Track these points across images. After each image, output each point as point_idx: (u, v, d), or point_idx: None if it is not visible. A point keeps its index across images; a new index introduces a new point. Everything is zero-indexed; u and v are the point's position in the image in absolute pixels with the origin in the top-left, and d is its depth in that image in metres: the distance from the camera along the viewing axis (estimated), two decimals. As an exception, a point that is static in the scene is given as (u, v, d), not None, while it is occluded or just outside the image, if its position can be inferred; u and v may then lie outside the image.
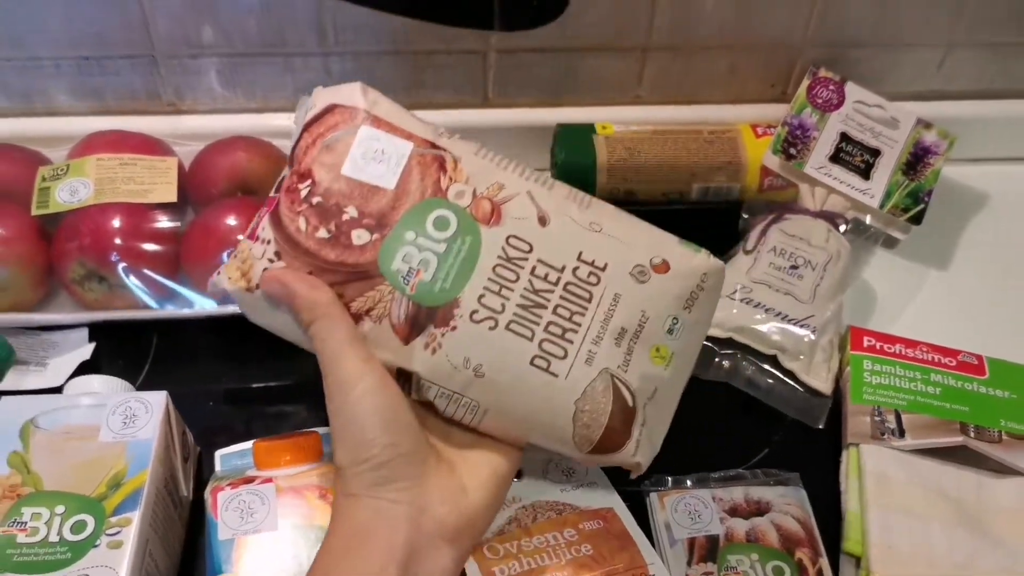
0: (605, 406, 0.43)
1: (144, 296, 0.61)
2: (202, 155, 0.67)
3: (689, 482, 0.57)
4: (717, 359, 0.63)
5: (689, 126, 0.73)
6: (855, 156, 0.71)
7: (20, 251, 0.61)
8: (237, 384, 0.63)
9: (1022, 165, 0.81)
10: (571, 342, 0.43)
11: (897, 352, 0.64)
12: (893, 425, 0.59)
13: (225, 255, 0.60)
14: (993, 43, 0.75)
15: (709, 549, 0.53)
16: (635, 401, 0.44)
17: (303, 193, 0.44)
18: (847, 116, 0.72)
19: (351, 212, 0.43)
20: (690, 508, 0.55)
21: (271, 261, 0.43)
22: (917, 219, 0.70)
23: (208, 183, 0.65)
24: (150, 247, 0.62)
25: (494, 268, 0.43)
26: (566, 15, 0.69)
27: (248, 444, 0.53)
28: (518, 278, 0.43)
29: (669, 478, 0.57)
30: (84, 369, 0.60)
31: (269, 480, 0.50)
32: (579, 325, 0.43)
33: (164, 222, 0.63)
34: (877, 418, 0.60)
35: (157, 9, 0.66)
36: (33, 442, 0.49)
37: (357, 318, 0.43)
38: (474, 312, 0.43)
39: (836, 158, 0.71)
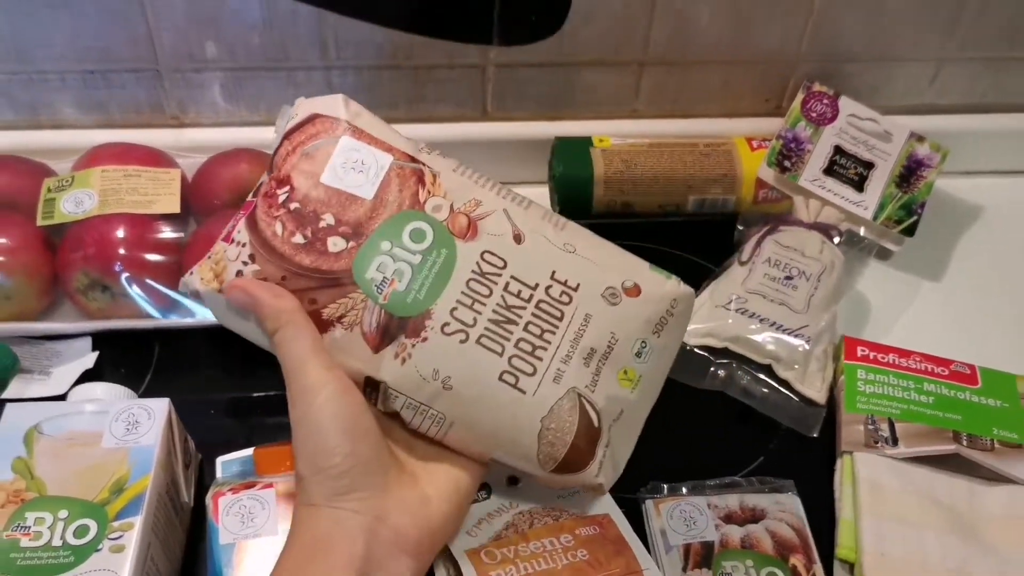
0: (571, 425, 0.43)
1: (147, 306, 0.62)
2: (205, 167, 0.68)
3: (684, 489, 0.57)
4: (713, 368, 0.64)
5: (685, 139, 0.75)
6: (849, 169, 0.72)
7: (25, 261, 0.62)
8: (238, 393, 0.63)
9: (1014, 178, 0.82)
10: (540, 359, 0.43)
11: (890, 362, 0.64)
12: (887, 433, 0.60)
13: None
14: (984, 58, 0.76)
15: (704, 555, 0.54)
16: (600, 422, 0.44)
17: (281, 198, 0.44)
18: (841, 129, 0.73)
19: (328, 219, 0.43)
20: (685, 515, 0.56)
21: (245, 264, 0.43)
22: (910, 231, 0.71)
23: (211, 194, 0.66)
24: (153, 257, 0.62)
25: (468, 282, 0.43)
26: (564, 30, 0.70)
27: (249, 451, 0.54)
28: (491, 293, 0.44)
29: (665, 485, 0.57)
30: (87, 378, 0.61)
31: (270, 485, 0.50)
32: (549, 343, 0.44)
33: (167, 233, 0.64)
34: (871, 426, 0.60)
35: (162, 24, 0.67)
36: (37, 448, 0.49)
37: (328, 324, 0.43)
38: (446, 324, 0.43)
39: (830, 171, 0.72)
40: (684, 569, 0.53)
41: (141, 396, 0.61)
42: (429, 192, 0.45)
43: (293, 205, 0.44)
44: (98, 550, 0.46)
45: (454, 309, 0.43)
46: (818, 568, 0.54)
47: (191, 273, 0.45)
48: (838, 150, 0.72)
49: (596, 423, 0.44)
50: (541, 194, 0.76)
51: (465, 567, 0.47)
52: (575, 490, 0.55)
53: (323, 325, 0.43)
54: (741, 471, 0.60)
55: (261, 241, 0.43)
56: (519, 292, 0.44)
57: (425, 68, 0.72)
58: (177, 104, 0.73)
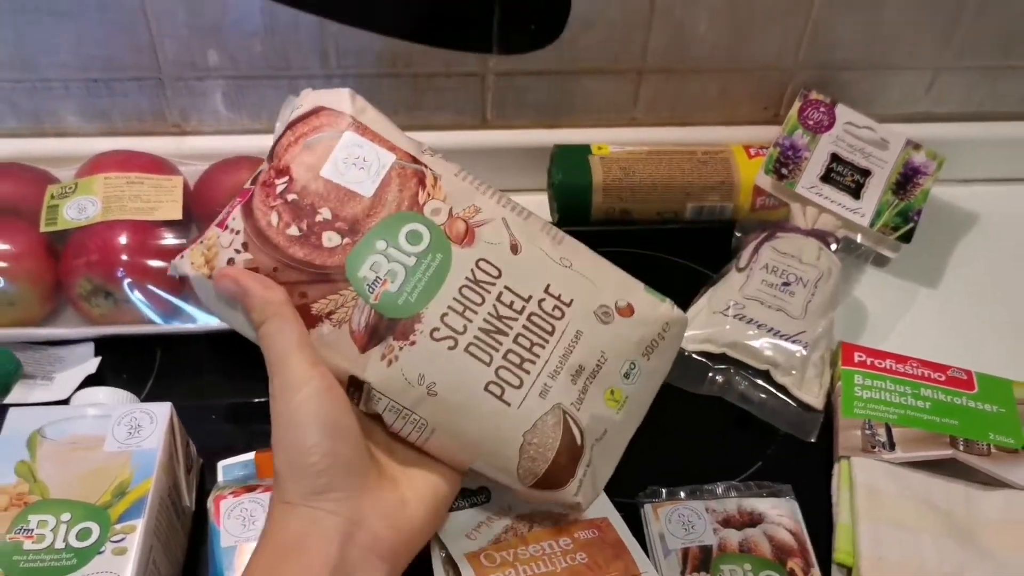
0: (553, 441, 0.43)
1: (149, 312, 0.62)
2: (207, 174, 0.68)
3: (683, 493, 0.58)
4: (711, 374, 0.64)
5: (683, 147, 0.75)
6: (846, 176, 0.73)
7: (29, 267, 0.62)
8: (239, 398, 0.64)
9: (1009, 185, 0.82)
10: (528, 372, 0.43)
11: (887, 367, 0.65)
12: (884, 438, 0.60)
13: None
14: (980, 67, 0.77)
15: (702, 559, 0.54)
16: (583, 440, 0.44)
17: (279, 188, 0.43)
18: (838, 137, 0.73)
19: (325, 214, 0.43)
20: (684, 519, 0.56)
21: (237, 252, 0.42)
22: (907, 238, 0.71)
23: (212, 201, 0.67)
24: (155, 263, 0.63)
25: (461, 289, 0.43)
26: (562, 39, 0.71)
27: (250, 455, 0.54)
28: (483, 301, 0.43)
29: (663, 490, 0.58)
30: (89, 383, 0.61)
31: (271, 489, 0.51)
32: (538, 357, 0.43)
33: (169, 239, 0.64)
34: (868, 432, 0.61)
35: (165, 33, 0.68)
36: (40, 452, 0.50)
37: (317, 320, 0.42)
38: (435, 330, 0.42)
39: (827, 178, 0.73)
40: (682, 573, 0.53)
41: (143, 401, 0.61)
42: (429, 195, 0.44)
43: (291, 196, 0.43)
44: (100, 552, 0.46)
45: (445, 315, 0.43)
46: (816, 572, 0.54)
47: (181, 257, 0.44)
48: (835, 158, 0.73)
49: (579, 441, 0.44)
50: (540, 201, 0.77)
51: (465, 570, 0.47)
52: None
53: (311, 320, 0.42)
54: (739, 476, 0.60)
55: (255, 230, 0.43)
56: (512, 303, 0.44)
57: (425, 76, 0.73)
58: (179, 112, 0.73)
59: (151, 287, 0.62)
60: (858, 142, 0.73)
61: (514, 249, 0.44)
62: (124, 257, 0.62)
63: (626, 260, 0.72)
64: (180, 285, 0.64)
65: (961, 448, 0.60)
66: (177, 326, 0.63)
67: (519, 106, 0.76)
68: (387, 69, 0.72)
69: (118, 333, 0.63)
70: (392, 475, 0.43)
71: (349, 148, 0.44)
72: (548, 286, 0.44)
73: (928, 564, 0.54)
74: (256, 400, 0.64)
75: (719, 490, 0.58)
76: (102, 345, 0.64)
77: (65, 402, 0.58)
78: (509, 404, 0.43)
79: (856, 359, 0.65)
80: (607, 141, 0.75)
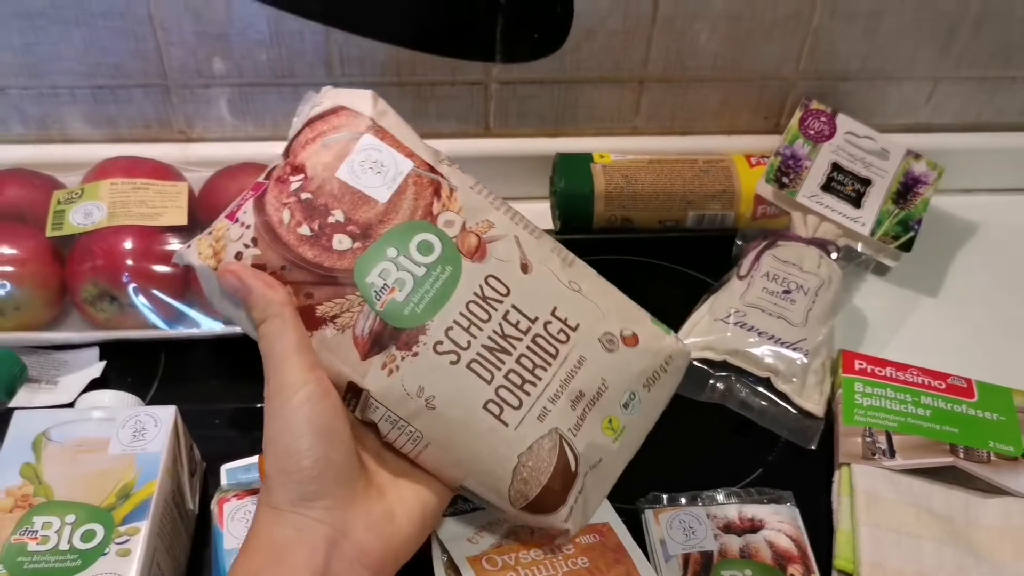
0: (547, 465, 0.43)
1: (153, 316, 0.63)
2: (212, 180, 0.69)
3: (684, 499, 0.58)
4: (712, 381, 0.65)
5: (685, 156, 0.76)
6: (846, 185, 0.73)
7: (35, 271, 0.63)
8: (242, 404, 0.64)
9: (1009, 196, 0.83)
10: (528, 394, 0.43)
11: (888, 375, 0.65)
12: (884, 446, 0.61)
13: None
14: (980, 77, 0.77)
15: (703, 565, 0.54)
16: (578, 467, 0.43)
17: (293, 186, 0.43)
18: (838, 147, 0.74)
19: (337, 216, 0.42)
20: (685, 525, 0.56)
21: (246, 246, 0.42)
22: (907, 247, 0.72)
23: (217, 207, 0.65)
24: (160, 269, 0.63)
25: (468, 304, 0.43)
26: (565, 48, 0.72)
27: (253, 459, 0.54)
28: (489, 319, 0.43)
29: (664, 495, 0.58)
30: (94, 387, 0.61)
31: (273, 492, 0.51)
32: (539, 379, 0.43)
33: (174, 244, 0.64)
34: (868, 439, 0.61)
35: (171, 40, 0.69)
36: (45, 454, 0.50)
37: (321, 322, 0.42)
38: (439, 343, 0.42)
39: (828, 187, 0.73)
40: (683, 578, 0.54)
41: (147, 405, 0.61)
42: (444, 206, 0.44)
43: (304, 195, 0.42)
44: (104, 554, 0.46)
45: (450, 329, 0.42)
46: (816, 578, 0.54)
47: (188, 246, 0.43)
48: (836, 167, 0.73)
49: (573, 468, 0.43)
50: (542, 209, 0.77)
51: (466, 574, 0.48)
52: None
53: (315, 322, 0.42)
54: (740, 482, 0.60)
55: (266, 226, 0.42)
56: (517, 322, 0.43)
57: (428, 85, 0.73)
58: (184, 119, 0.74)
59: (156, 292, 0.63)
60: (859, 151, 0.74)
61: (524, 268, 0.44)
62: (129, 262, 0.62)
63: (627, 268, 0.74)
64: (184, 289, 0.64)
65: (961, 456, 0.60)
66: (181, 331, 0.63)
67: (522, 114, 0.76)
68: (391, 77, 0.72)
69: (123, 337, 0.64)
70: (381, 485, 0.43)
71: (367, 151, 0.43)
72: (555, 308, 0.44)
73: (928, 570, 0.55)
74: (259, 405, 0.62)
75: (720, 496, 0.58)
76: (107, 349, 0.65)
77: (70, 405, 0.59)
78: (507, 424, 0.42)
79: (857, 367, 0.65)
80: (609, 149, 0.76)
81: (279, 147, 0.73)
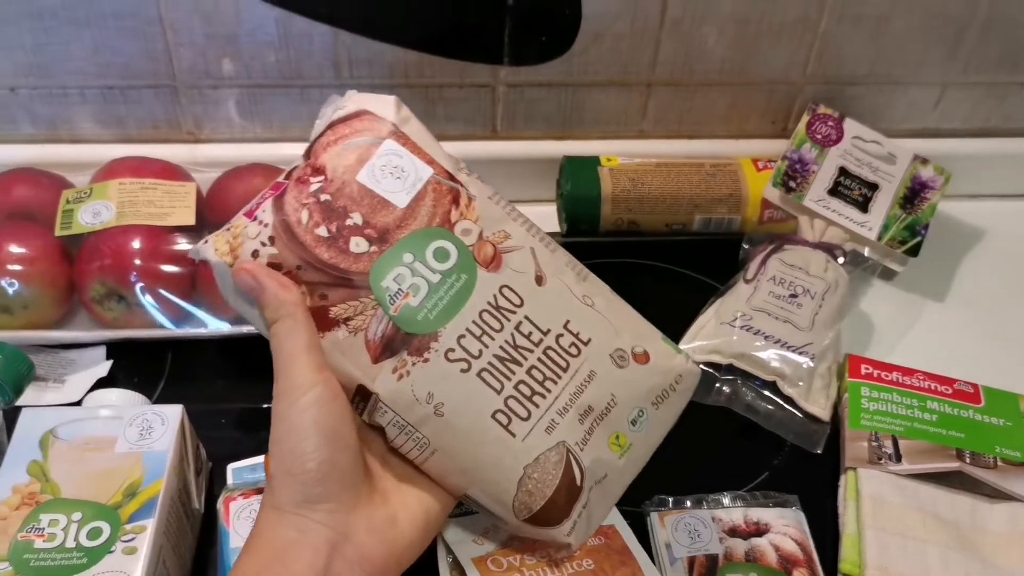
0: (553, 479, 0.43)
1: (160, 316, 0.63)
2: (220, 181, 0.69)
3: (689, 503, 0.58)
4: (718, 384, 0.65)
5: (692, 159, 0.76)
6: (853, 190, 0.73)
7: (43, 270, 0.63)
8: (249, 404, 0.64)
9: (1016, 201, 0.82)
10: (537, 406, 0.43)
11: (894, 380, 0.65)
12: (890, 450, 0.61)
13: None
14: (988, 83, 0.77)
15: (708, 568, 0.54)
16: (583, 481, 0.44)
17: (313, 187, 0.43)
18: (846, 151, 0.74)
19: (356, 219, 0.43)
20: (690, 528, 0.56)
21: (263, 244, 0.42)
22: (914, 251, 0.72)
23: (225, 207, 0.67)
24: (168, 268, 0.63)
25: (481, 313, 0.43)
26: (573, 51, 0.72)
27: (260, 458, 0.54)
28: (502, 329, 0.43)
29: (670, 499, 0.58)
30: (101, 386, 0.62)
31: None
32: (549, 392, 0.43)
33: (182, 244, 0.64)
34: (874, 443, 0.61)
35: (180, 41, 0.69)
36: (52, 452, 0.50)
37: (334, 323, 0.42)
38: (450, 350, 0.42)
39: (835, 191, 0.73)
40: (688, 581, 0.53)
41: (154, 404, 0.62)
42: (462, 214, 0.44)
43: (324, 197, 0.43)
44: (111, 552, 0.46)
45: (462, 337, 0.42)
46: (821, 582, 0.54)
47: (205, 241, 0.43)
48: (843, 171, 0.73)
49: (579, 482, 0.43)
50: (549, 212, 0.77)
51: (472, 575, 0.48)
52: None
53: (328, 323, 0.42)
54: (745, 486, 0.60)
55: (284, 225, 0.42)
56: (530, 334, 0.43)
57: (436, 87, 0.73)
58: (193, 120, 0.74)
59: (163, 292, 0.63)
60: (866, 156, 0.74)
61: (539, 280, 0.44)
62: (137, 261, 0.63)
63: (634, 271, 0.74)
64: (192, 289, 0.64)
65: (967, 461, 0.60)
66: (188, 331, 0.64)
67: (529, 117, 0.76)
68: (399, 80, 0.73)
69: (130, 337, 0.64)
70: (385, 490, 0.43)
71: (388, 156, 0.44)
72: (568, 322, 0.44)
73: (933, 575, 0.55)
74: (265, 405, 0.63)
75: (725, 500, 0.58)
76: (114, 348, 0.65)
77: (77, 404, 0.59)
78: (514, 435, 0.43)
79: (863, 371, 0.65)
80: (616, 153, 0.76)
81: (287, 148, 0.75)
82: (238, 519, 0.50)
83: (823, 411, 0.63)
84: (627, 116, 0.77)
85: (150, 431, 0.51)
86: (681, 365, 0.47)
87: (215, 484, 0.59)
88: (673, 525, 0.56)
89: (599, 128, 0.78)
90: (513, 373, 0.43)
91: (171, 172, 0.69)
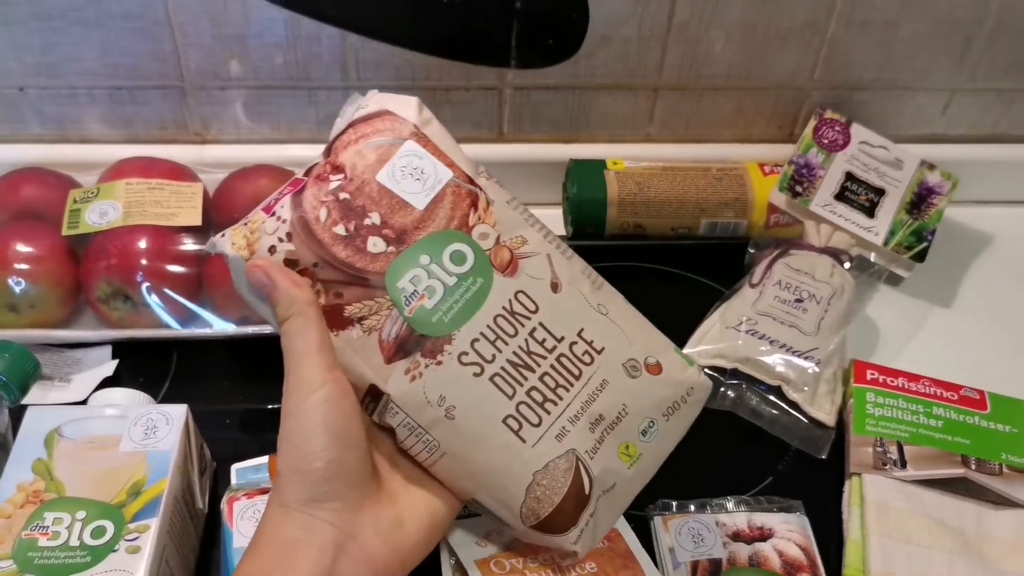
0: (562, 486, 0.43)
1: (166, 316, 0.63)
2: (227, 182, 0.69)
3: (693, 507, 0.58)
4: (723, 389, 0.64)
5: (698, 163, 0.76)
6: (860, 195, 0.73)
7: (50, 269, 0.63)
8: (253, 404, 0.64)
9: (1023, 208, 0.82)
10: (548, 413, 0.43)
11: (900, 385, 0.65)
12: (895, 456, 0.60)
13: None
14: (996, 89, 0.77)
15: (712, 572, 0.54)
16: (592, 490, 0.43)
17: (332, 185, 0.43)
18: (852, 156, 0.74)
19: (374, 218, 0.43)
20: (694, 532, 0.56)
21: (280, 240, 0.42)
22: (920, 257, 0.72)
23: (232, 208, 0.67)
24: (174, 269, 0.64)
25: (496, 317, 0.43)
26: (580, 54, 0.72)
27: (264, 459, 0.54)
28: (516, 334, 0.43)
29: (673, 503, 0.58)
30: (106, 386, 0.62)
31: (282, 492, 0.51)
32: (560, 399, 0.43)
33: (189, 245, 0.65)
34: (879, 449, 0.61)
35: (189, 43, 0.69)
36: (57, 450, 0.50)
37: (348, 322, 0.42)
38: (464, 354, 0.42)
39: (841, 196, 0.73)
40: (691, 585, 0.53)
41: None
42: (480, 218, 0.44)
43: (343, 195, 0.43)
44: (114, 551, 0.46)
45: (476, 340, 0.42)
46: (825, 588, 0.54)
47: (223, 235, 0.43)
48: (849, 176, 0.73)
49: (587, 490, 0.43)
50: (555, 215, 0.77)
51: (475, 576, 0.48)
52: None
53: (343, 322, 0.42)
54: (750, 491, 0.60)
55: (302, 222, 0.42)
56: (543, 340, 0.43)
57: (443, 89, 0.74)
58: (200, 121, 0.74)
59: (169, 292, 0.63)
60: (873, 161, 0.74)
61: (554, 287, 0.44)
62: (144, 261, 0.63)
63: (639, 275, 0.74)
64: (198, 289, 0.65)
65: (973, 467, 0.60)
66: (194, 331, 0.64)
67: (536, 120, 0.76)
68: (406, 82, 0.73)
69: (136, 337, 0.64)
70: (392, 491, 0.43)
71: (408, 157, 0.44)
72: (582, 330, 0.44)
73: (938, 582, 0.54)
74: (270, 406, 0.64)
75: (730, 504, 0.58)
76: (120, 348, 0.65)
77: (83, 403, 0.59)
78: (524, 441, 0.43)
79: (868, 377, 0.65)
80: (622, 156, 0.76)
81: (294, 150, 0.76)
82: (241, 519, 0.50)
83: (828, 416, 0.63)
84: (634, 120, 0.77)
85: (155, 431, 0.52)
86: (693, 378, 0.47)
87: (219, 484, 0.59)
88: (677, 529, 0.56)
89: (606, 131, 0.78)
90: (526, 379, 0.43)
91: (178, 173, 0.69)
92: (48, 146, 0.74)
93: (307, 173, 0.44)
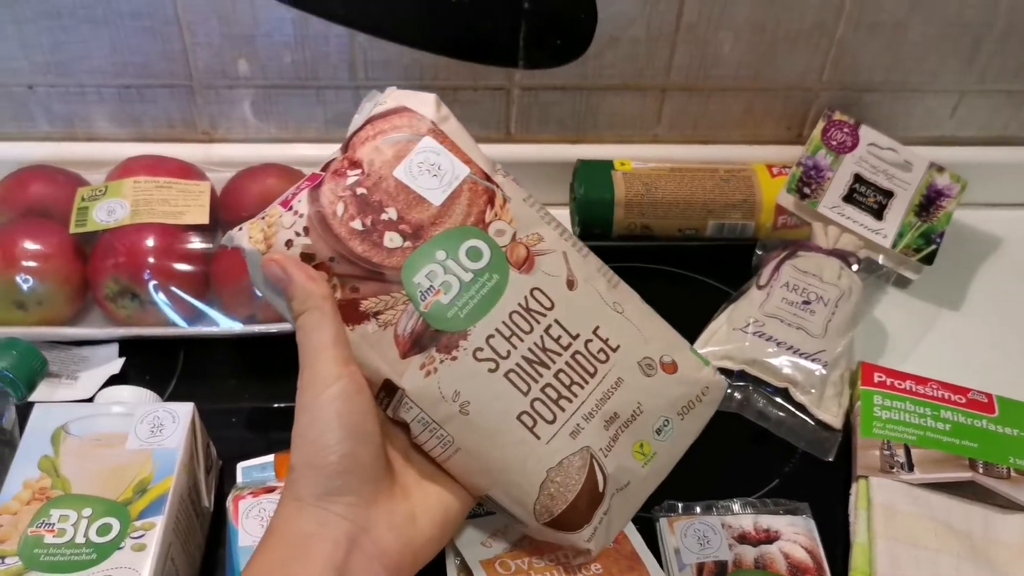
0: (576, 483, 0.43)
1: (173, 314, 0.63)
2: (234, 180, 0.69)
3: (699, 509, 0.57)
4: (729, 390, 0.64)
5: (706, 165, 0.75)
6: (868, 197, 0.73)
7: (58, 267, 0.63)
8: (259, 403, 0.64)
9: (1033, 210, 0.82)
10: (563, 410, 0.43)
11: (907, 388, 0.64)
12: (902, 459, 0.60)
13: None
14: (1005, 91, 0.77)
15: (717, 574, 0.54)
16: (606, 488, 0.44)
17: (350, 180, 0.43)
18: (861, 158, 0.74)
19: (391, 213, 0.43)
20: (699, 534, 0.56)
21: (297, 235, 0.42)
22: (929, 259, 0.71)
23: (239, 207, 0.67)
24: (181, 267, 0.64)
25: (511, 314, 0.43)
26: (587, 55, 0.72)
27: (270, 457, 0.55)
28: (532, 331, 0.43)
29: (679, 504, 0.58)
30: (113, 383, 0.62)
31: (289, 489, 0.51)
32: (575, 396, 0.43)
33: (196, 243, 0.65)
34: (886, 452, 0.60)
35: (197, 41, 0.69)
36: (63, 448, 0.50)
37: (364, 317, 0.42)
38: (479, 349, 0.42)
39: (850, 198, 0.73)
40: (697, 587, 0.53)
41: (166, 402, 0.62)
42: (496, 215, 0.44)
43: (360, 190, 0.43)
44: (120, 548, 0.46)
45: (491, 336, 0.42)
46: (831, 591, 0.54)
47: (240, 229, 0.44)
48: (858, 178, 0.73)
49: (601, 488, 0.43)
50: (562, 216, 0.77)
51: (480, 576, 0.48)
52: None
53: (358, 317, 0.42)
54: (756, 493, 0.60)
55: (320, 217, 0.42)
56: (559, 337, 0.43)
57: (450, 89, 0.74)
58: (208, 120, 0.75)
59: (176, 290, 0.63)
60: (881, 163, 0.73)
61: (570, 285, 0.44)
62: (151, 260, 0.63)
63: (647, 276, 0.74)
64: (205, 288, 0.65)
65: (980, 471, 0.60)
66: (201, 329, 0.64)
67: (543, 121, 0.76)
68: (414, 81, 0.73)
69: (143, 335, 0.64)
70: (405, 486, 0.43)
71: (426, 153, 0.44)
72: (597, 328, 0.44)
73: (945, 586, 0.54)
74: (276, 405, 0.64)
75: (735, 506, 0.58)
76: (127, 346, 0.65)
77: (89, 400, 0.59)
78: (539, 438, 0.43)
79: (876, 379, 0.65)
80: (630, 157, 0.75)
81: (301, 149, 0.76)
82: (247, 518, 0.50)
83: (835, 419, 0.63)
84: (641, 120, 0.77)
85: (161, 428, 0.52)
86: (708, 377, 0.47)
87: (225, 483, 0.59)
88: (683, 531, 0.56)
89: (613, 132, 0.78)
90: (540, 376, 0.43)
91: (186, 171, 0.69)
92: (56, 144, 0.74)
93: (325, 168, 0.44)
